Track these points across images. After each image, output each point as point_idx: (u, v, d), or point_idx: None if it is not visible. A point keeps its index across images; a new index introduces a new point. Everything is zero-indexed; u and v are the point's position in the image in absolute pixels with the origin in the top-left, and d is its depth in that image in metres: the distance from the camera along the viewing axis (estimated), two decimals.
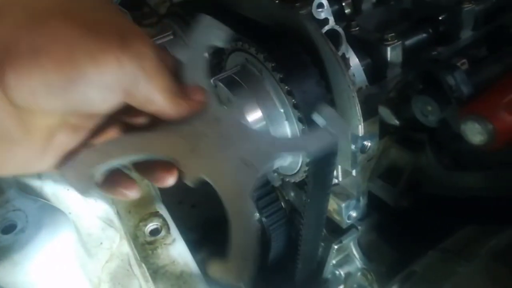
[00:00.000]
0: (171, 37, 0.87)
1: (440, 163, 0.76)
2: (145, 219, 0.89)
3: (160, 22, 0.95)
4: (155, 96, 0.44)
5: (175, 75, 0.49)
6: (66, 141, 0.47)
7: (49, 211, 0.72)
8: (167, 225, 0.88)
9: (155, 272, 0.83)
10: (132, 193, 0.52)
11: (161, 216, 0.90)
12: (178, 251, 0.86)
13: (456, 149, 0.74)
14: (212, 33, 0.55)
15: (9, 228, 0.67)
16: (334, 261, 0.97)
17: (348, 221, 0.87)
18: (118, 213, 0.86)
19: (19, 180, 0.76)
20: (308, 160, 0.66)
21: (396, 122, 0.75)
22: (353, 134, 0.66)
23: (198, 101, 0.49)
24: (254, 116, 0.67)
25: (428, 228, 0.85)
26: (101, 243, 0.80)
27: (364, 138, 0.69)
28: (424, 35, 0.86)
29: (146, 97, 0.44)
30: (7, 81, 0.39)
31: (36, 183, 0.76)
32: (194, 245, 0.99)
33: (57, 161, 0.48)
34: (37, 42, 0.39)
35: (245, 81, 0.68)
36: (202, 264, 0.90)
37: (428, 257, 0.70)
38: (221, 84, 0.69)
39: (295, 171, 0.73)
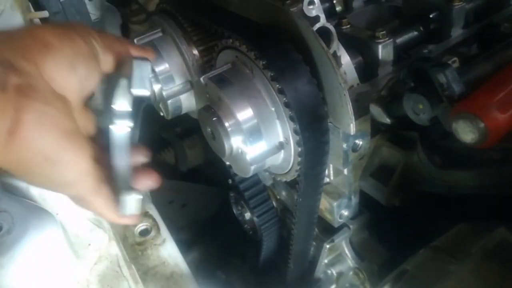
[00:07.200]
0: (160, 34, 0.86)
1: (432, 161, 0.76)
2: None
3: (149, 19, 0.93)
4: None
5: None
6: None
7: (35, 212, 0.71)
8: (157, 225, 0.88)
9: (145, 273, 0.82)
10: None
11: (151, 216, 0.89)
12: (168, 251, 0.85)
13: (448, 148, 0.74)
14: None
15: None
16: (326, 260, 0.97)
17: (340, 220, 0.87)
18: None
19: (4, 180, 0.74)
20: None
21: (388, 120, 0.74)
22: (345, 133, 0.66)
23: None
24: (244, 114, 0.66)
25: (420, 226, 0.86)
26: (90, 245, 0.79)
27: (355, 136, 0.69)
28: (415, 33, 0.86)
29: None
30: None
31: (22, 184, 0.75)
32: (185, 245, 0.99)
33: None
34: None
35: (236, 79, 0.68)
36: (193, 264, 0.89)
37: (419, 255, 0.70)
38: (211, 83, 0.68)
39: (287, 170, 0.72)
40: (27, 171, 0.48)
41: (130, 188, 0.58)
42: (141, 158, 0.62)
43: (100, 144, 0.59)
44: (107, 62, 0.56)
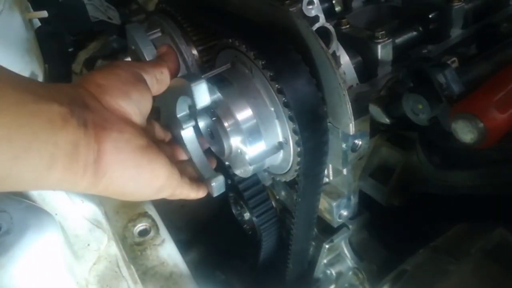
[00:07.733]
0: (159, 34, 0.86)
1: (431, 161, 0.76)
2: (134, 219, 0.88)
3: (148, 19, 0.93)
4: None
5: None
6: None
7: (34, 212, 0.71)
8: (156, 225, 0.88)
9: (144, 273, 0.82)
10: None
11: (150, 217, 0.89)
12: (167, 251, 0.85)
13: (447, 148, 0.74)
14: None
15: None
16: (325, 261, 0.97)
17: (339, 220, 0.87)
18: (106, 214, 0.85)
19: None
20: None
21: (387, 120, 0.74)
22: (344, 132, 0.66)
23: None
24: (244, 115, 0.66)
25: (419, 226, 0.86)
26: (89, 245, 0.79)
27: (355, 136, 0.69)
28: (414, 33, 0.86)
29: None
30: None
31: None
32: (184, 245, 0.98)
33: None
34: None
35: (235, 79, 0.68)
36: (192, 264, 0.89)
37: (419, 255, 0.70)
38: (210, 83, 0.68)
39: (286, 170, 0.72)
40: (121, 191, 0.54)
41: (213, 173, 0.68)
42: (205, 144, 0.72)
43: (169, 143, 0.70)
44: (153, 82, 0.63)
